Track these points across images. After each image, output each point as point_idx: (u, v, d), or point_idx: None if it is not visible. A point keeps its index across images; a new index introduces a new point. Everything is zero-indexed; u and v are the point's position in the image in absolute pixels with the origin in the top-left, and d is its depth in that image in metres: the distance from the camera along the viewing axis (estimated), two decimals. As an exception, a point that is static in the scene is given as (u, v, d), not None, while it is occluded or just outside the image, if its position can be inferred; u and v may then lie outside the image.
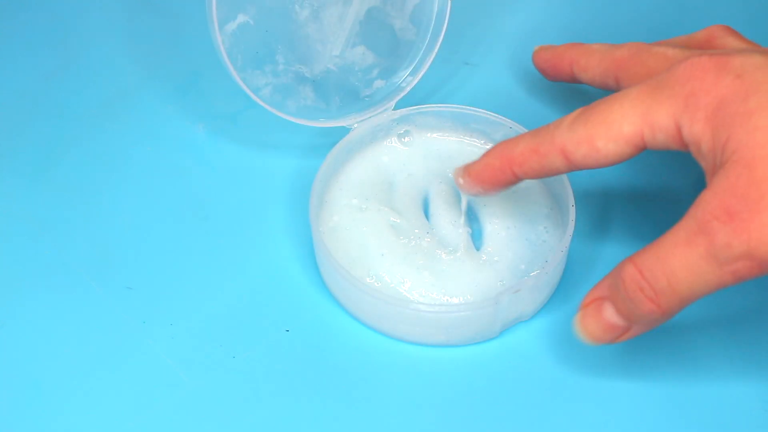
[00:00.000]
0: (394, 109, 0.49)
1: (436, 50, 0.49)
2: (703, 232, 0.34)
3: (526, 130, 0.46)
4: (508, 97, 0.53)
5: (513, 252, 0.45)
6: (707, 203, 0.34)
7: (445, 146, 0.49)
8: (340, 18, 0.48)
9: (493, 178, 0.42)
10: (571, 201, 0.44)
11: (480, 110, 0.48)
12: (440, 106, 0.49)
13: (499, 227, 0.46)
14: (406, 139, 0.49)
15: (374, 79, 0.50)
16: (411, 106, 0.49)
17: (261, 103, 0.46)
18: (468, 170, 0.43)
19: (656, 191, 0.43)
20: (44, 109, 0.53)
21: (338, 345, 0.44)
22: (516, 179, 0.41)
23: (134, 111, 0.53)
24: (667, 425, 0.41)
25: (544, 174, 0.40)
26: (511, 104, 0.52)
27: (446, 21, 0.49)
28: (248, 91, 0.46)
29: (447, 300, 0.43)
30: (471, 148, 0.49)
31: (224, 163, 0.51)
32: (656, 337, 0.42)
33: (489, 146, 0.49)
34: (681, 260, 0.35)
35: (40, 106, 0.53)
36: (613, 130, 0.38)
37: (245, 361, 0.43)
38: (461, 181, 0.43)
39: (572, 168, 0.39)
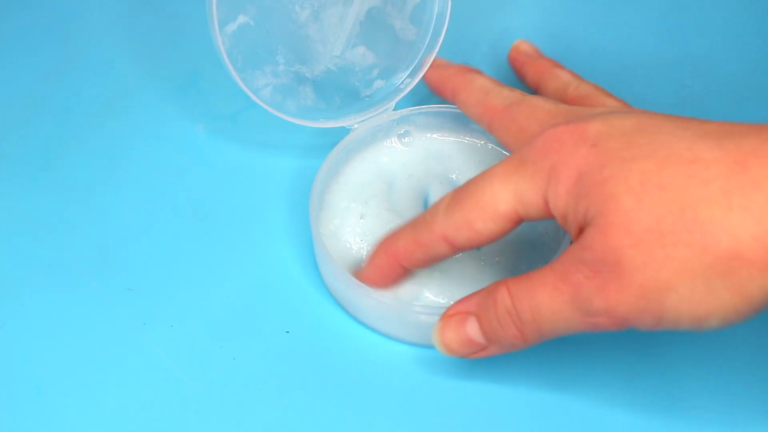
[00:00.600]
0: (394, 109, 0.49)
1: (436, 50, 0.49)
2: (568, 282, 0.36)
3: None
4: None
5: (513, 253, 0.45)
6: (574, 255, 0.36)
7: (445, 146, 0.49)
8: (341, 18, 0.48)
9: (384, 277, 0.43)
10: None
11: None
12: (440, 107, 0.49)
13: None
14: (406, 139, 0.49)
15: (374, 79, 0.50)
16: (411, 106, 0.49)
17: (261, 103, 0.46)
18: (361, 276, 0.44)
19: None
20: (44, 109, 0.53)
21: (338, 346, 0.44)
22: (405, 272, 0.43)
23: (134, 111, 0.53)
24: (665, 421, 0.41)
25: (431, 262, 0.42)
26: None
27: (447, 21, 0.49)
28: (248, 92, 0.46)
29: (446, 302, 0.43)
30: (471, 148, 0.49)
31: (224, 163, 0.51)
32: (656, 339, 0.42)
33: (489, 147, 0.49)
34: (547, 300, 0.37)
35: (40, 106, 0.53)
36: (489, 212, 0.39)
37: (245, 362, 0.43)
38: (361, 281, 0.44)
39: (457, 251, 0.41)
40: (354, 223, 0.46)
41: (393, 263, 0.42)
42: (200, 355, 0.44)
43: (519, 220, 0.39)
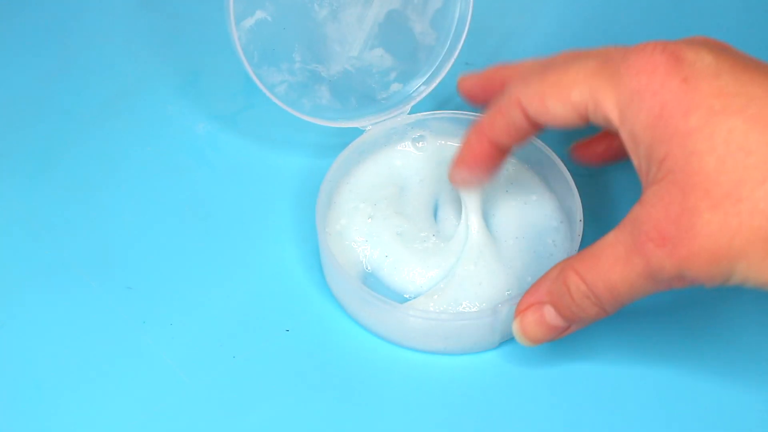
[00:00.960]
0: (410, 113, 0.49)
1: (455, 56, 0.50)
2: (639, 253, 0.36)
3: (542, 143, 0.47)
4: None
5: (521, 263, 0.45)
6: (643, 223, 0.36)
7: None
8: (359, 19, 0.48)
9: (475, 157, 0.43)
10: (579, 215, 0.44)
11: None
12: (456, 113, 0.49)
13: (508, 237, 0.45)
14: (421, 144, 0.49)
15: (391, 82, 0.51)
16: (427, 111, 0.50)
17: (276, 101, 0.46)
18: (455, 162, 0.44)
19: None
20: (44, 109, 0.53)
21: (338, 346, 0.44)
22: (495, 149, 0.43)
23: (134, 110, 0.53)
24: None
25: (512, 133, 0.42)
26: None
27: (467, 26, 0.49)
28: (264, 89, 0.46)
29: (450, 308, 0.43)
30: None
31: (224, 162, 0.51)
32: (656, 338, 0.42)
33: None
34: (620, 276, 0.37)
35: (40, 106, 0.53)
36: (563, 94, 0.39)
37: (245, 361, 0.43)
38: (453, 175, 0.44)
39: (531, 123, 0.40)
40: (361, 224, 0.46)
41: (481, 138, 0.42)
42: (200, 353, 0.44)
43: (586, 118, 0.39)
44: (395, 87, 0.50)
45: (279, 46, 0.48)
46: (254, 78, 0.45)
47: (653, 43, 0.38)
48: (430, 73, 0.50)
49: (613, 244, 0.37)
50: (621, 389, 0.42)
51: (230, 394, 0.43)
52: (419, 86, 0.50)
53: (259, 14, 0.47)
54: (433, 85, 0.50)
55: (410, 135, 0.49)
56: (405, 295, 0.44)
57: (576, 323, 0.40)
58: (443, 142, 0.50)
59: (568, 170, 0.46)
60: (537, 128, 0.41)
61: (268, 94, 0.46)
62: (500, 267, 0.45)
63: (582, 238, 0.44)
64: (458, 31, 0.49)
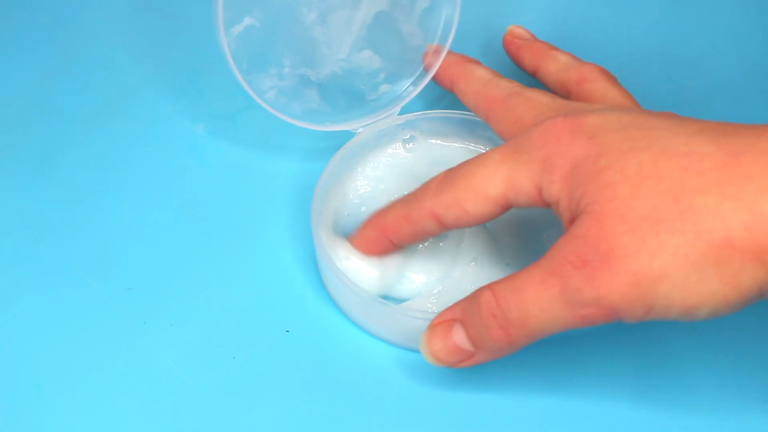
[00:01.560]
0: (400, 114, 0.49)
1: (443, 56, 0.49)
2: (556, 275, 0.36)
3: None
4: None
5: (518, 259, 0.45)
6: (563, 247, 0.36)
7: (450, 152, 0.49)
8: (348, 21, 0.48)
9: (371, 248, 0.44)
10: None
11: None
12: (446, 112, 0.49)
13: (503, 234, 0.46)
14: (411, 144, 0.49)
15: (380, 83, 0.50)
16: (417, 111, 0.50)
17: (265, 106, 0.46)
18: (350, 240, 0.45)
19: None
20: (44, 109, 0.53)
21: (338, 346, 0.44)
22: (393, 246, 0.44)
23: (134, 111, 0.53)
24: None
25: (418, 238, 0.43)
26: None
27: (454, 27, 0.49)
28: (253, 95, 0.46)
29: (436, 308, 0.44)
30: (475, 154, 0.49)
31: (224, 163, 0.51)
32: (654, 340, 0.42)
33: None
34: (534, 296, 0.37)
35: (40, 106, 0.53)
36: (479, 194, 0.40)
37: (245, 361, 0.43)
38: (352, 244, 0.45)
39: (444, 229, 0.41)
40: (355, 227, 0.46)
41: (381, 236, 0.43)
42: (200, 354, 0.44)
43: (508, 206, 0.40)
44: (384, 88, 0.50)
45: (268, 52, 0.48)
46: (244, 84, 0.45)
47: (555, 113, 0.39)
48: (419, 73, 0.50)
49: (533, 268, 0.37)
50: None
51: (230, 394, 0.43)
52: (408, 86, 0.50)
53: (248, 20, 0.46)
54: (422, 85, 0.50)
55: (400, 136, 0.49)
56: (402, 297, 0.44)
57: (482, 350, 0.39)
58: (434, 141, 0.50)
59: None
60: (445, 230, 0.42)
61: (257, 100, 0.46)
62: (498, 265, 0.45)
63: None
64: (445, 30, 0.49)
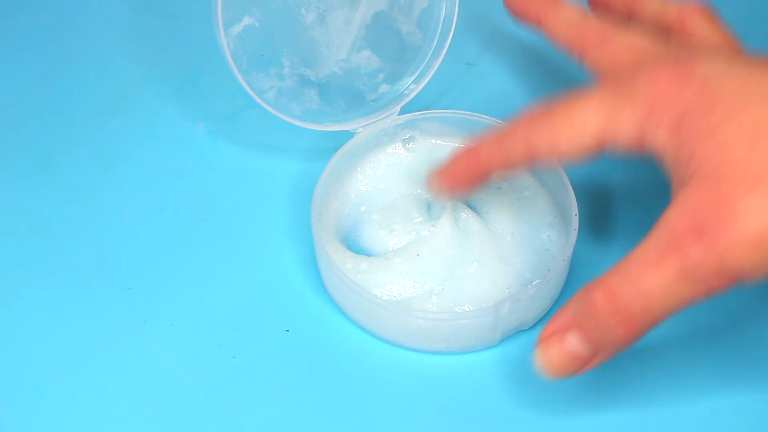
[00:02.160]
0: (400, 113, 0.49)
1: (442, 55, 0.49)
2: (675, 251, 0.34)
3: None
4: (515, 101, 0.53)
5: (519, 259, 0.45)
6: (676, 221, 0.35)
7: (450, 153, 0.49)
8: (347, 22, 0.48)
9: (458, 182, 0.43)
10: (575, 210, 0.44)
11: (485, 116, 0.48)
12: (446, 112, 0.49)
13: (504, 234, 0.46)
14: (411, 144, 0.49)
15: (380, 83, 0.51)
16: (417, 111, 0.49)
17: (266, 106, 0.46)
18: (438, 173, 0.44)
19: (662, 198, 0.44)
20: (44, 109, 0.53)
21: (338, 346, 0.44)
22: (482, 177, 0.42)
23: (134, 111, 0.53)
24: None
25: (508, 168, 0.42)
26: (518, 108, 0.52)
27: (453, 26, 0.49)
28: (253, 95, 0.46)
29: (450, 307, 0.44)
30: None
31: (225, 163, 0.51)
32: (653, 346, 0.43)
33: None
34: (655, 280, 0.35)
35: (40, 106, 0.53)
36: (575, 131, 0.38)
37: (245, 361, 0.44)
38: (431, 184, 0.44)
39: (533, 164, 0.41)
40: (355, 227, 0.46)
41: (472, 165, 0.42)
42: (200, 353, 0.44)
43: (602, 148, 0.38)
44: (384, 88, 0.50)
45: (267, 52, 0.48)
46: (244, 84, 0.45)
47: (663, 57, 0.37)
48: (418, 73, 0.50)
49: (644, 250, 0.35)
50: (625, 386, 0.42)
51: (230, 394, 0.43)
52: (408, 86, 0.50)
53: (247, 20, 0.47)
54: (422, 84, 0.50)
55: (400, 136, 0.49)
56: (403, 295, 0.44)
57: (603, 351, 0.37)
58: (433, 141, 0.50)
59: (562, 165, 0.46)
60: (534, 165, 0.41)
61: (257, 99, 0.46)
62: (500, 265, 0.45)
63: (578, 232, 0.44)
64: (445, 30, 0.49)
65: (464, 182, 0.43)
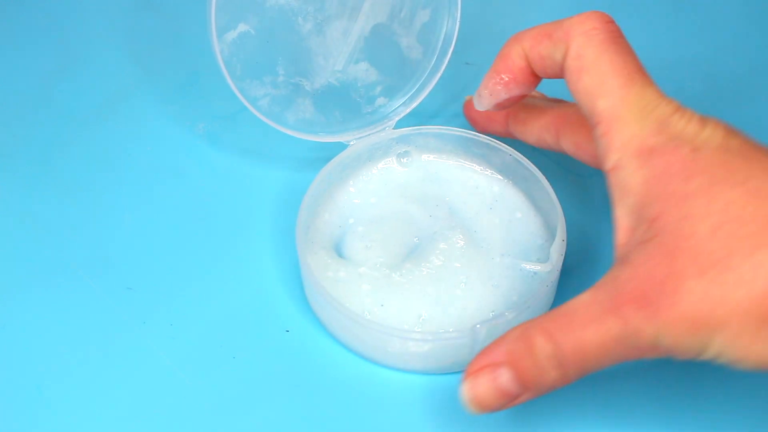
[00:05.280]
0: (395, 128, 0.49)
1: (442, 70, 0.50)
2: (617, 313, 0.35)
3: (527, 160, 0.47)
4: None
5: (507, 281, 0.45)
6: (625, 283, 0.36)
7: (444, 169, 0.50)
8: (345, 32, 0.48)
9: (505, 70, 0.43)
10: (563, 236, 0.44)
11: (482, 135, 0.48)
12: (442, 128, 0.49)
13: (494, 254, 0.46)
14: (405, 159, 0.49)
15: (377, 96, 0.50)
16: (412, 126, 0.49)
17: (258, 114, 0.46)
18: (487, 77, 0.44)
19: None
20: (44, 109, 0.53)
21: (338, 346, 0.44)
22: (525, 78, 0.43)
23: (134, 111, 0.53)
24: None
25: (548, 61, 0.41)
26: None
27: (454, 41, 0.49)
28: (245, 102, 0.46)
29: (435, 328, 0.44)
30: (470, 172, 0.49)
31: (225, 163, 0.51)
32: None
33: (488, 172, 0.49)
34: (594, 336, 0.36)
35: (40, 106, 0.53)
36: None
37: (245, 361, 0.44)
38: (483, 91, 0.44)
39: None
40: (342, 239, 0.46)
41: (520, 52, 0.42)
42: (200, 353, 0.44)
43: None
44: (381, 101, 0.50)
45: (262, 59, 0.48)
46: (237, 92, 0.45)
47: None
48: (417, 87, 0.50)
49: (589, 303, 0.36)
50: (615, 405, 0.42)
51: (230, 394, 0.43)
52: (405, 101, 0.50)
53: (242, 27, 0.47)
54: (419, 99, 0.50)
55: (394, 150, 0.49)
56: (385, 315, 0.44)
57: (531, 390, 0.38)
58: (428, 157, 0.50)
59: (553, 187, 0.46)
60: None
61: (250, 108, 0.46)
62: (485, 287, 0.45)
63: (565, 258, 0.44)
64: (445, 45, 0.49)
65: (508, 71, 0.43)
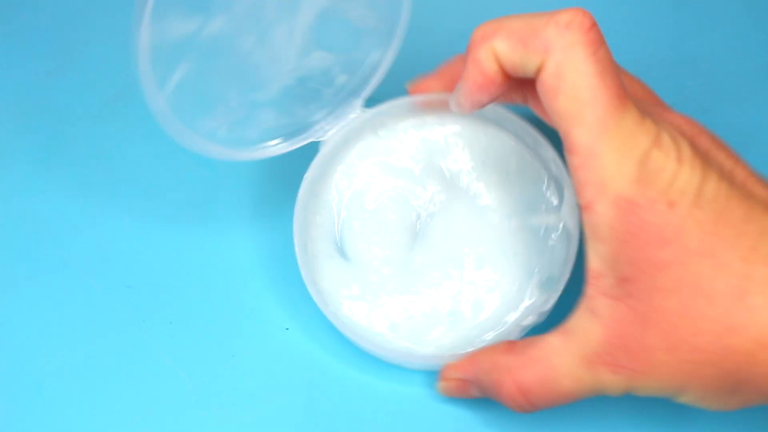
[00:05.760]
0: (367, 106, 0.47)
1: (400, 37, 0.46)
2: (590, 371, 0.37)
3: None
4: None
5: (500, 304, 0.44)
6: (597, 344, 0.37)
7: (428, 135, 0.47)
8: (289, 32, 0.45)
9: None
10: (567, 276, 0.42)
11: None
12: (411, 98, 0.47)
13: (501, 219, 0.45)
14: (382, 132, 0.48)
15: (336, 76, 0.47)
16: (381, 103, 0.47)
17: (220, 151, 0.44)
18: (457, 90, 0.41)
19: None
20: (44, 109, 0.53)
21: (338, 344, 0.44)
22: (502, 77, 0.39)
23: (135, 110, 0.53)
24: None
25: (525, 53, 0.38)
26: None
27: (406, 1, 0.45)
28: (198, 151, 0.43)
29: (418, 349, 0.43)
30: (453, 137, 0.47)
31: (226, 163, 0.51)
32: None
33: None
34: (568, 387, 0.37)
35: (40, 106, 0.53)
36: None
37: (244, 359, 0.44)
38: (462, 100, 0.41)
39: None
40: (342, 240, 0.46)
41: (490, 57, 0.38)
42: (199, 352, 0.44)
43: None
44: (342, 79, 0.47)
45: (210, 92, 0.44)
46: (189, 146, 0.42)
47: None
48: (379, 56, 0.47)
49: (561, 354, 0.37)
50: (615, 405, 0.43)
51: (229, 392, 0.43)
52: (368, 72, 0.47)
53: (180, 70, 0.42)
54: (382, 69, 0.47)
55: (369, 130, 0.47)
56: (376, 329, 0.44)
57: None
58: (403, 127, 0.47)
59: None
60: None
61: (213, 154, 0.43)
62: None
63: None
64: (398, 5, 0.45)
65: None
